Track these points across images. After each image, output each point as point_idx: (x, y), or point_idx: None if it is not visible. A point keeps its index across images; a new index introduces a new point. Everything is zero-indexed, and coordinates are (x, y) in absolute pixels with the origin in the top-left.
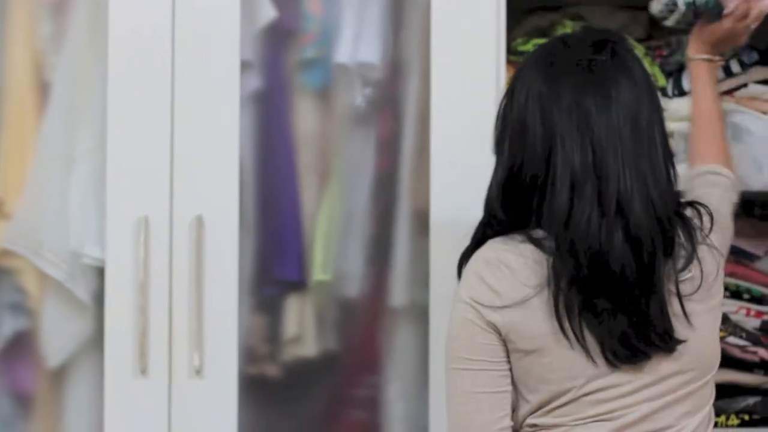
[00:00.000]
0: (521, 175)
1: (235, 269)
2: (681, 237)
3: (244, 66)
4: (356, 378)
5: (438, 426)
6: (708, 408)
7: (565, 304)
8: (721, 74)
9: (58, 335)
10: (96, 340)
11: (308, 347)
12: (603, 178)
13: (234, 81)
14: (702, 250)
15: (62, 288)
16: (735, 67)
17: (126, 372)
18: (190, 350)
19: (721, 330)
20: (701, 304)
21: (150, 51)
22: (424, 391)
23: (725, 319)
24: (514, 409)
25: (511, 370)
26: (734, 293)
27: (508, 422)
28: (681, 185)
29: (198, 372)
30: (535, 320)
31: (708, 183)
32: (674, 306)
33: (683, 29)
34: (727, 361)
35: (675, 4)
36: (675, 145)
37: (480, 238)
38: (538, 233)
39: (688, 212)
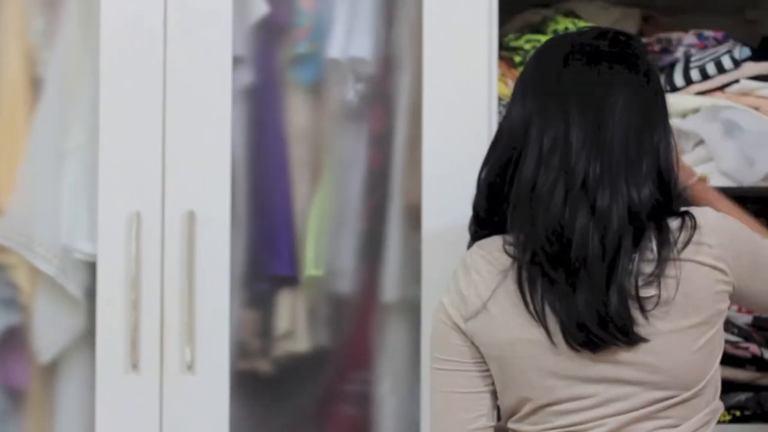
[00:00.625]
0: (503, 164)
1: (226, 264)
2: (653, 248)
3: (236, 61)
4: (348, 373)
5: (429, 421)
6: (700, 415)
7: (528, 277)
8: (713, 70)
9: (49, 330)
10: (88, 336)
11: (300, 343)
12: (571, 156)
13: (226, 76)
14: (684, 269)
15: (54, 283)
16: (727, 63)
17: (117, 367)
18: (182, 345)
19: None
20: (670, 323)
21: (142, 46)
22: (415, 387)
23: None
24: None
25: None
26: None
27: (485, 423)
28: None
29: (189, 367)
30: (494, 328)
31: None
32: (635, 313)
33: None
34: None
35: None
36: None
37: (472, 235)
38: (510, 238)
39: (674, 224)
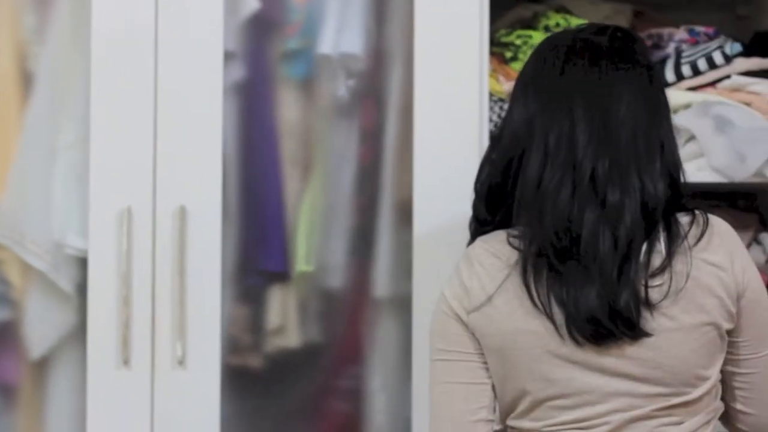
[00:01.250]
0: (506, 162)
1: (218, 260)
2: (662, 241)
3: (228, 57)
4: (339, 369)
5: (421, 417)
6: (702, 414)
7: (534, 270)
8: (704, 65)
9: (41, 326)
10: (79, 331)
11: (291, 338)
12: (577, 152)
13: (217, 72)
14: (694, 264)
15: (45, 279)
16: (718, 58)
17: (109, 363)
18: (173, 341)
19: None
20: (673, 321)
21: (133, 42)
22: (406, 382)
23: None
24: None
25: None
26: None
27: (485, 414)
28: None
29: (181, 363)
30: (498, 319)
31: None
32: (642, 307)
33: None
34: None
35: None
36: None
37: (474, 234)
38: (517, 231)
39: (684, 219)
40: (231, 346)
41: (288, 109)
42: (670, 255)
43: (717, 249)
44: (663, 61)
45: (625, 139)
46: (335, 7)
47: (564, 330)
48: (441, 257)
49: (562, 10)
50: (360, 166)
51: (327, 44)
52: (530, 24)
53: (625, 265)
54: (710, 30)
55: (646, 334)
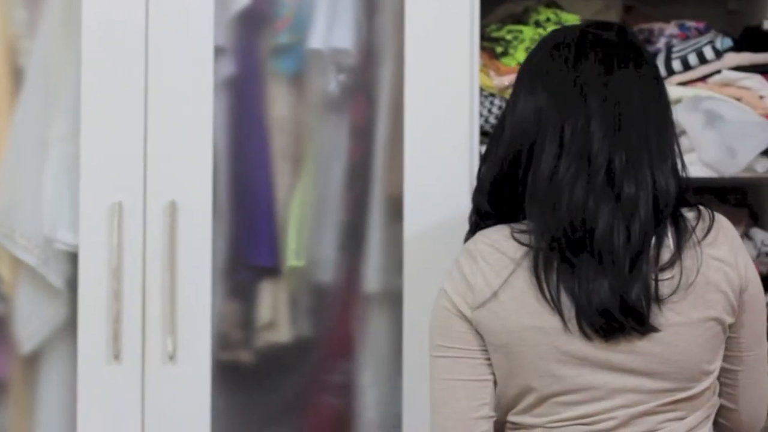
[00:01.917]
0: (512, 155)
1: (208, 255)
2: (671, 236)
3: (218, 52)
4: (330, 364)
5: (411, 412)
6: (704, 409)
7: (545, 264)
8: (695, 60)
9: (31, 321)
10: (69, 326)
11: (282, 333)
12: (593, 145)
13: (207, 67)
14: (703, 258)
15: (36, 273)
16: (709, 53)
17: (99, 357)
18: (164, 336)
19: None
20: (680, 315)
21: (124, 37)
22: (397, 377)
23: None
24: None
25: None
26: None
27: (487, 411)
28: None
29: (171, 358)
30: (503, 316)
31: None
32: (652, 301)
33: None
34: None
35: None
36: None
37: (473, 227)
38: (523, 226)
39: (690, 214)
40: (221, 341)
41: (278, 104)
42: (679, 249)
43: (722, 245)
44: (653, 56)
45: (638, 135)
46: (325, 2)
47: (573, 323)
48: (432, 252)
49: (552, 5)
50: (350, 161)
51: (317, 39)
52: (521, 19)
53: (637, 259)
54: (701, 25)
55: (655, 329)
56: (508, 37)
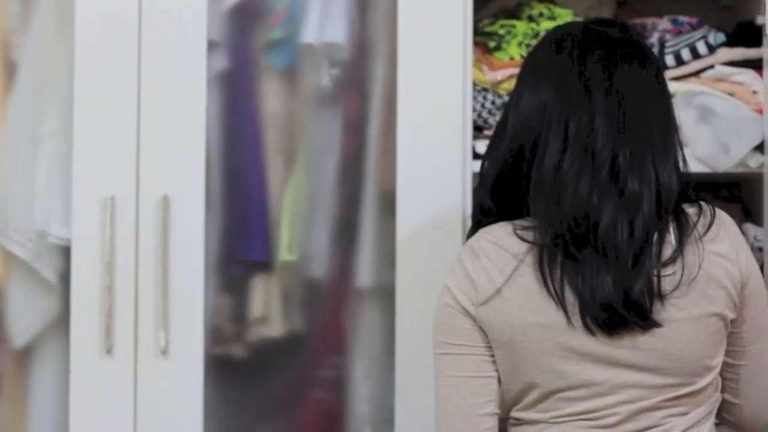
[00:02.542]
0: (515, 150)
1: (201, 249)
2: (672, 232)
3: (211, 46)
4: (322, 358)
5: (403, 406)
6: (706, 405)
7: (549, 259)
8: (688, 55)
9: (24, 315)
10: (62, 320)
11: (274, 328)
12: (597, 140)
13: (201, 61)
14: (705, 254)
15: (28, 267)
16: (702, 48)
17: (92, 351)
18: (156, 330)
19: None
20: (682, 311)
21: (117, 31)
22: (389, 372)
23: None
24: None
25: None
26: None
27: (492, 408)
28: None
29: (164, 352)
30: (507, 313)
31: None
32: (654, 297)
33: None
34: None
35: None
36: None
37: (476, 224)
38: (526, 222)
39: (691, 210)
40: (214, 336)
41: (271, 98)
42: (681, 245)
43: (723, 240)
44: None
45: (642, 131)
46: None
47: (577, 318)
48: (424, 247)
49: (545, 0)
50: (343, 155)
51: (310, 34)
52: (514, 13)
53: (640, 254)
54: (694, 20)
55: (657, 325)
56: (501, 31)
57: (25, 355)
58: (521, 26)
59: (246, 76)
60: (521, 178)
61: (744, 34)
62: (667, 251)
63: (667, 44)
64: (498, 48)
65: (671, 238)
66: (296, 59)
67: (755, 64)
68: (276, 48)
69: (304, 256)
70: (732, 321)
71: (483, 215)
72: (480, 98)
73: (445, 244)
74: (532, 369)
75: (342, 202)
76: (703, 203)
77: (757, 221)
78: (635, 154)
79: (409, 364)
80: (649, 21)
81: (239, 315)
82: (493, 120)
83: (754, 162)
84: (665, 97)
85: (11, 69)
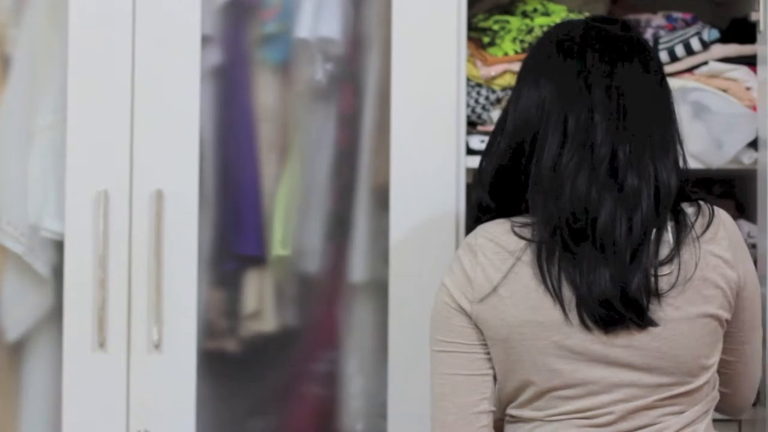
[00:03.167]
0: (514, 146)
1: (194, 243)
2: (670, 230)
3: (205, 40)
4: (315, 353)
5: (396, 401)
6: (702, 404)
7: (547, 254)
8: (682, 52)
9: (17, 308)
10: (55, 314)
11: (267, 322)
12: (596, 136)
13: (194, 55)
14: (702, 253)
15: (21, 261)
16: (695, 44)
17: (85, 346)
18: (149, 324)
19: None
20: (678, 311)
21: (111, 25)
22: (382, 367)
23: None
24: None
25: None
26: None
27: (487, 406)
28: None
29: (157, 346)
30: (503, 310)
31: None
32: (651, 295)
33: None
34: None
35: None
36: None
37: (475, 221)
38: (524, 219)
39: (690, 209)
40: (207, 330)
41: (265, 93)
42: (678, 245)
43: (722, 241)
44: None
45: (641, 128)
46: None
47: (574, 314)
48: (418, 242)
49: None
50: (337, 150)
51: (304, 28)
52: (508, 9)
53: (638, 251)
54: (688, 16)
55: (654, 323)
56: (495, 27)
57: (17, 349)
58: (515, 22)
59: (240, 71)
60: (520, 174)
61: (738, 31)
62: (665, 250)
63: (661, 40)
64: (492, 43)
65: (669, 236)
66: (290, 54)
67: (749, 61)
68: (270, 42)
69: (297, 250)
70: (727, 321)
71: (482, 212)
72: (474, 94)
73: (439, 239)
74: (528, 367)
75: (335, 197)
76: (702, 203)
77: (751, 218)
78: (635, 150)
79: (402, 359)
80: (644, 17)
81: (232, 309)
82: (487, 115)
83: (748, 158)
84: (666, 95)
85: (5, 62)
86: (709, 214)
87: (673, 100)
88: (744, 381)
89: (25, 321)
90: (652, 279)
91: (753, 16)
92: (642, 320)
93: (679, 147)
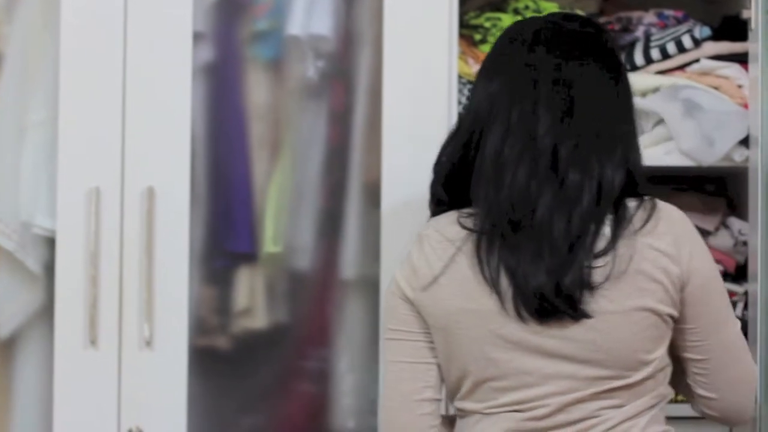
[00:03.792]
0: (465, 140)
1: (186, 241)
2: (606, 225)
3: (197, 37)
4: (306, 350)
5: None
6: (646, 398)
7: (487, 245)
8: (673, 49)
9: (8, 305)
10: (46, 311)
11: (258, 319)
12: (538, 129)
13: (186, 52)
14: (637, 247)
15: (13, 258)
16: (687, 42)
17: (76, 342)
18: (141, 321)
19: None
20: (613, 303)
21: (102, 22)
22: (373, 364)
23: None
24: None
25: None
26: None
27: (431, 394)
28: None
29: (148, 343)
30: (442, 298)
31: None
32: (585, 288)
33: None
34: None
35: None
36: None
37: (432, 213)
38: (470, 210)
39: (632, 204)
40: (198, 327)
41: (257, 90)
42: (614, 238)
43: (663, 235)
44: (632, 45)
45: (589, 124)
46: None
47: (510, 305)
48: (408, 239)
49: None
50: (328, 147)
51: (296, 25)
52: (499, 6)
53: (575, 245)
54: (679, 14)
55: (587, 315)
56: (487, 24)
57: (9, 346)
58: (507, 19)
59: (231, 68)
60: (470, 167)
61: (729, 28)
62: (601, 243)
63: (653, 38)
64: (483, 41)
65: (606, 230)
66: (282, 51)
67: (741, 58)
68: (261, 40)
69: (288, 247)
70: (678, 317)
71: (437, 205)
72: (465, 91)
73: None
74: (465, 356)
75: (327, 194)
76: (647, 198)
77: (742, 215)
78: (580, 145)
79: None
80: (635, 14)
81: (224, 306)
82: None
83: (739, 156)
84: (622, 93)
85: None
86: (650, 207)
87: (631, 97)
88: (722, 381)
89: (16, 318)
90: (586, 271)
91: (744, 14)
92: (575, 312)
93: (631, 143)
